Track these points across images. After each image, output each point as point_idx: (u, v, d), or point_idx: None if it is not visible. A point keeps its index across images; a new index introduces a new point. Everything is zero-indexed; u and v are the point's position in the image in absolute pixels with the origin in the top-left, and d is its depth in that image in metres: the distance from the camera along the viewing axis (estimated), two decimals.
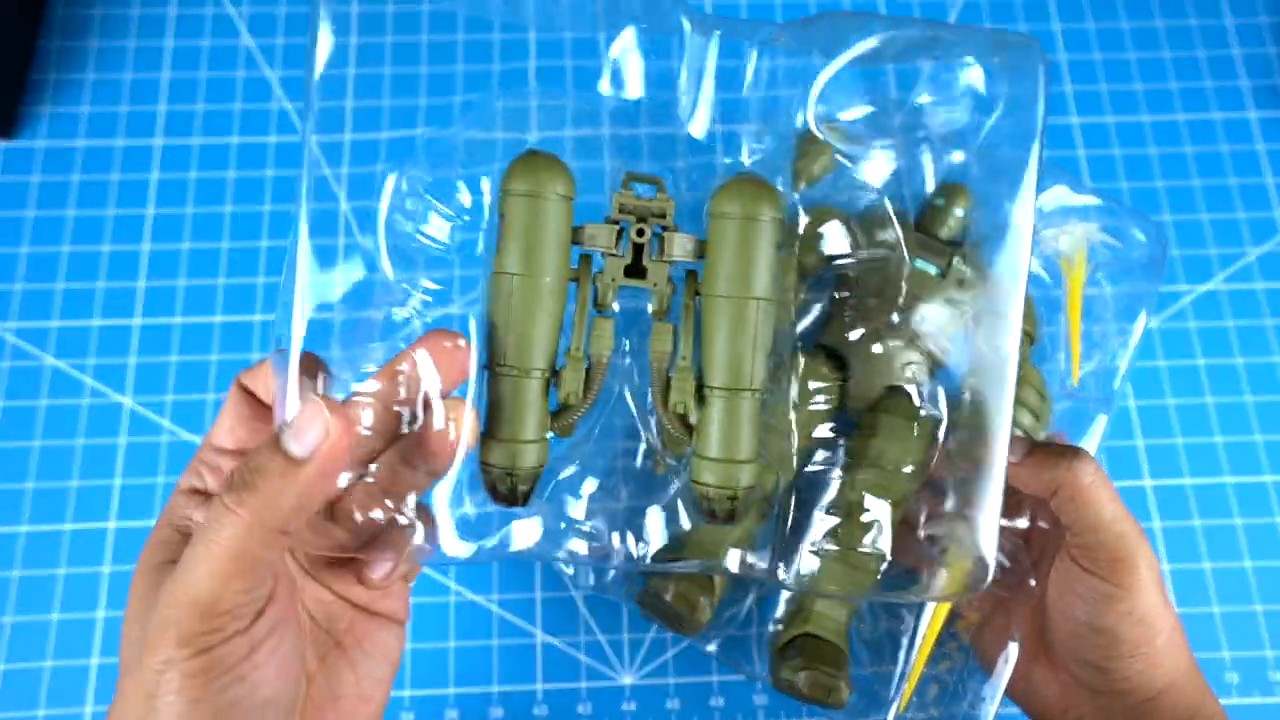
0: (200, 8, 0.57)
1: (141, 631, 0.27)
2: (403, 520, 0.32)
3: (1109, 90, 0.58)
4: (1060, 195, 0.48)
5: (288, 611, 0.29)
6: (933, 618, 0.41)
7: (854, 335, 0.44)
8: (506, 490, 0.34)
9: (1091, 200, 0.48)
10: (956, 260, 0.44)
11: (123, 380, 0.50)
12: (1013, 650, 0.41)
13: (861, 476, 0.42)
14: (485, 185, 0.36)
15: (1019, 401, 0.42)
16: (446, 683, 0.46)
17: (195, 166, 0.54)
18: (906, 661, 0.42)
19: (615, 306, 0.35)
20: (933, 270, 0.44)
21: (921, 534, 0.42)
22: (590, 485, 0.37)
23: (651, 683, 0.46)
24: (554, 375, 0.34)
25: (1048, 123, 0.44)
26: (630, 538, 0.37)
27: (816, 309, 0.47)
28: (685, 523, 0.37)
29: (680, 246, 0.34)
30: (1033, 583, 0.41)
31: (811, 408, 0.42)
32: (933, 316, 0.43)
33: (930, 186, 0.48)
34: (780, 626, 0.43)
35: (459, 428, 0.31)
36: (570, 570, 0.47)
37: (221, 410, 0.32)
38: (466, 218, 0.36)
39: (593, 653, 0.47)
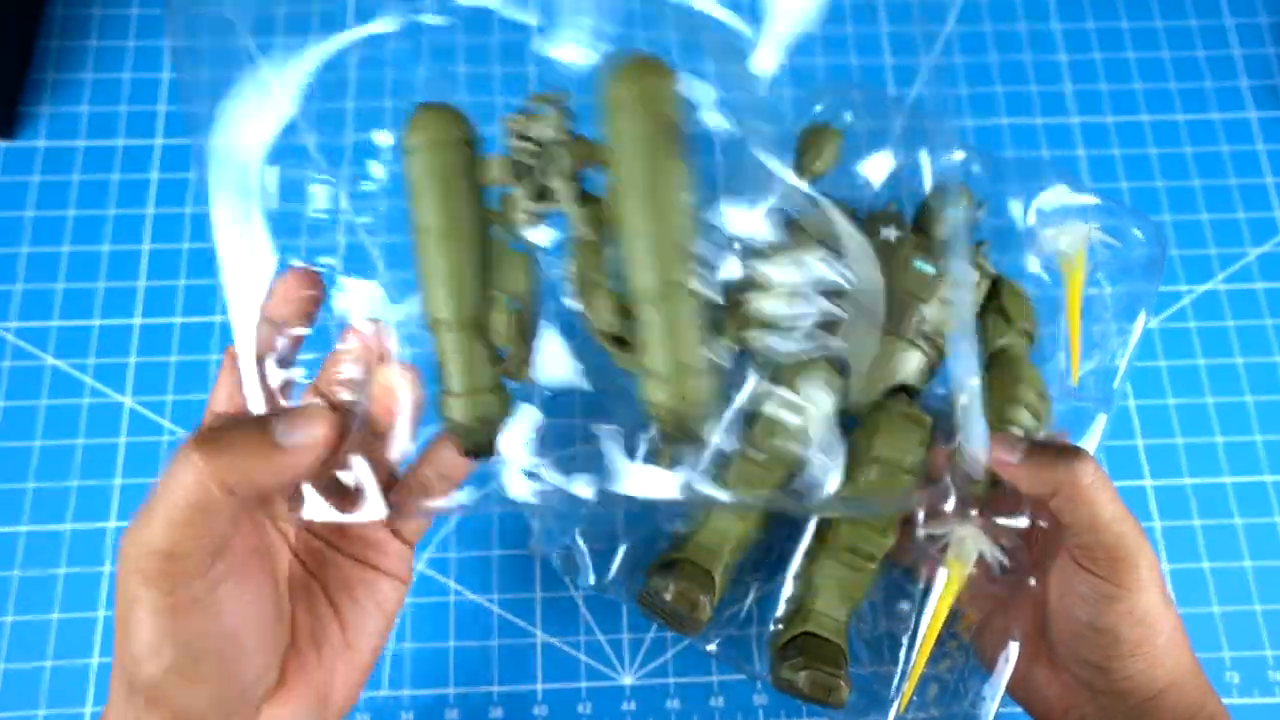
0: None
1: None
2: (350, 481, 0.32)
3: (1109, 90, 0.58)
4: (1060, 195, 0.48)
5: (249, 554, 0.30)
6: (933, 617, 0.41)
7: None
8: (466, 444, 0.33)
9: (1091, 200, 0.48)
10: (953, 259, 0.44)
11: (123, 380, 0.50)
12: (1013, 650, 0.41)
13: (862, 476, 0.42)
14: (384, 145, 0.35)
15: (1018, 401, 0.42)
16: (446, 682, 0.46)
17: (195, 166, 0.54)
18: (907, 661, 0.42)
19: (537, 239, 0.33)
20: (930, 270, 0.43)
21: (921, 533, 0.42)
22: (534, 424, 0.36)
23: (651, 682, 0.46)
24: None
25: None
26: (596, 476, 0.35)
27: None
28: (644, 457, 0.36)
29: (573, 154, 0.32)
30: (1033, 582, 0.41)
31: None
32: (931, 316, 0.43)
33: (929, 186, 0.48)
34: (780, 626, 0.42)
35: (389, 396, 0.32)
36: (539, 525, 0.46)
37: (219, 377, 0.33)
38: (371, 185, 0.36)
39: (593, 653, 0.47)
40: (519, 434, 0.34)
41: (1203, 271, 0.54)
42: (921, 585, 0.43)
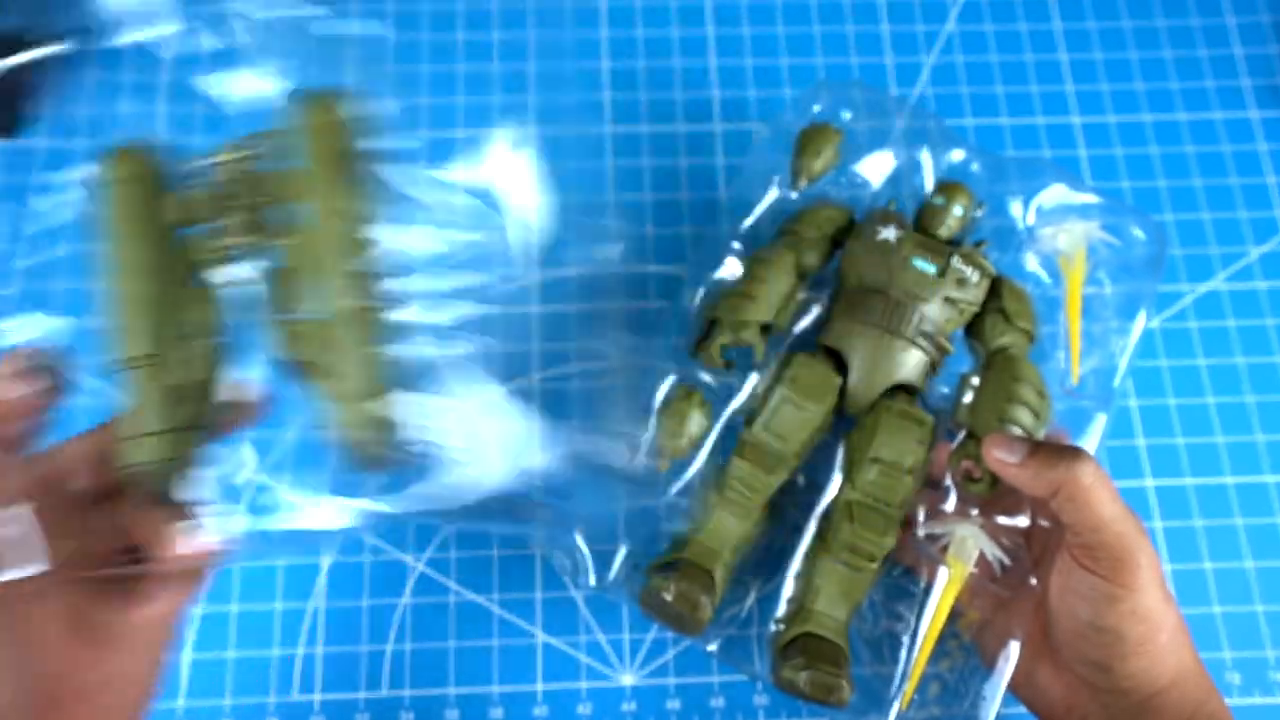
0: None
1: None
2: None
3: (1110, 90, 0.57)
4: (1060, 194, 0.48)
5: None
6: (934, 617, 0.41)
7: (853, 335, 0.44)
8: (151, 488, 0.32)
9: (1091, 198, 0.48)
10: (955, 259, 0.44)
11: None
12: (1014, 649, 0.41)
13: (861, 476, 0.42)
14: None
15: (1018, 400, 0.41)
16: (447, 682, 0.46)
17: None
18: (908, 660, 0.42)
19: (231, 274, 0.32)
20: (931, 270, 0.43)
21: (921, 533, 0.42)
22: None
23: (652, 683, 0.46)
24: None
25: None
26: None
27: (816, 309, 0.47)
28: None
29: (254, 191, 0.32)
30: (1034, 581, 0.41)
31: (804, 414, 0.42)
32: (932, 315, 0.43)
33: (929, 185, 0.48)
34: (781, 626, 0.42)
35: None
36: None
37: None
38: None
39: (593, 653, 0.47)
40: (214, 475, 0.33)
41: (1204, 271, 0.54)
42: (922, 585, 0.43)
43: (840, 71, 0.58)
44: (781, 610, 0.43)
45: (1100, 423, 0.45)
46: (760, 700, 0.46)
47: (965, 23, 0.59)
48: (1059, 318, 0.47)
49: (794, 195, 0.49)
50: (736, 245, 0.47)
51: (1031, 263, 0.48)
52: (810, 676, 0.40)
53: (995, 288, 0.45)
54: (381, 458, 0.32)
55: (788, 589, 0.43)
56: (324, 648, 0.46)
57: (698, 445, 0.44)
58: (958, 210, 0.46)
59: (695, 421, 0.43)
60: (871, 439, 0.42)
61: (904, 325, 0.43)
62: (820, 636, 0.41)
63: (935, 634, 0.41)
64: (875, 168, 0.49)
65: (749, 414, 0.44)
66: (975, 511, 0.42)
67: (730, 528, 0.42)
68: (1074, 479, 0.36)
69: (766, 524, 0.44)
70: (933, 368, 0.44)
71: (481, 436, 0.34)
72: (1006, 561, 0.41)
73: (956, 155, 0.49)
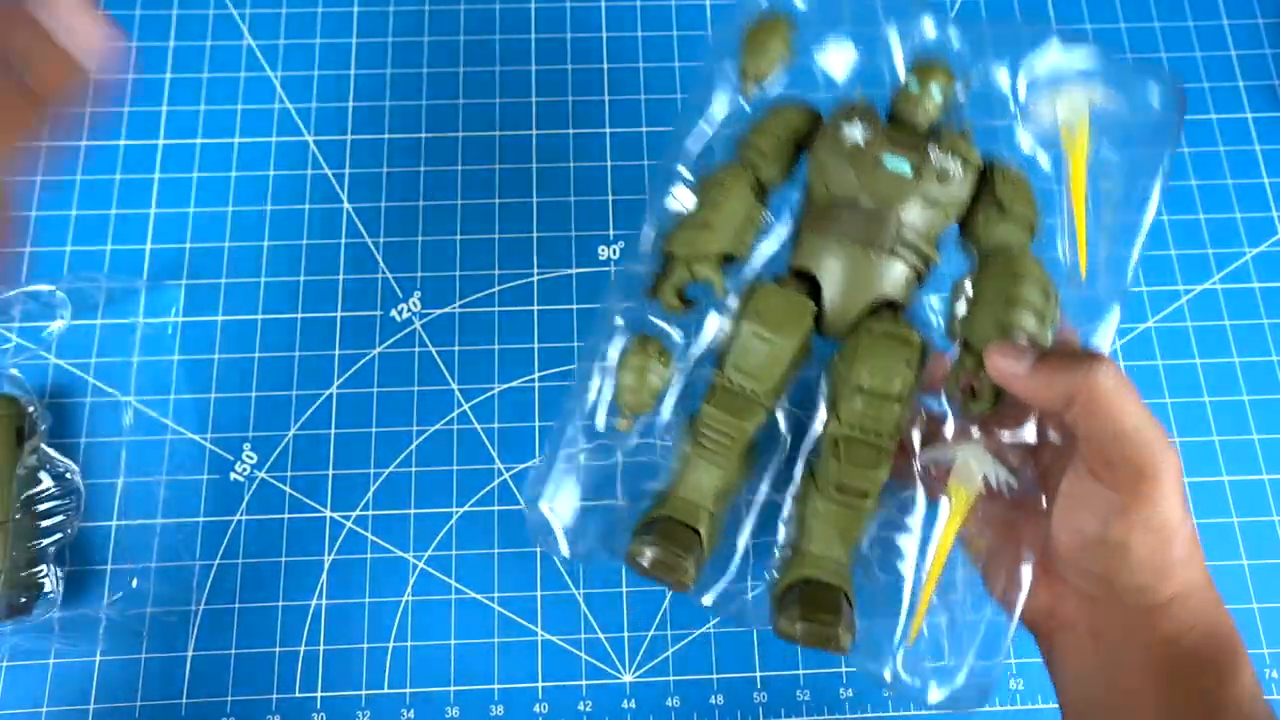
0: (202, 8, 0.58)
1: None
2: None
3: None
4: (1052, 56, 0.42)
5: None
6: (939, 549, 0.38)
7: (824, 252, 0.39)
8: None
9: (1088, 57, 0.42)
10: (933, 152, 0.38)
11: (126, 380, 0.50)
12: (1025, 574, 0.38)
13: (846, 407, 0.38)
14: None
15: (1020, 303, 0.37)
16: (448, 680, 0.46)
17: (198, 168, 0.54)
18: (914, 596, 0.39)
19: None
20: (905, 168, 0.38)
21: (919, 462, 0.39)
22: None
23: (652, 680, 0.47)
24: None
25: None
26: None
27: (781, 231, 0.42)
28: None
29: None
30: (1044, 501, 0.38)
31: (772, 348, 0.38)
32: (912, 220, 0.38)
33: (901, 70, 0.43)
34: (776, 574, 0.40)
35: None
36: None
37: None
38: None
39: (593, 650, 0.47)
40: None
41: (1200, 271, 0.54)
42: (921, 514, 0.40)
43: None
44: (776, 557, 0.40)
45: (1115, 316, 0.40)
46: (760, 698, 0.46)
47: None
48: (1060, 205, 0.41)
49: (745, 105, 0.43)
50: (685, 173, 0.42)
51: (1026, 143, 0.42)
52: (806, 629, 0.37)
53: (986, 177, 0.40)
54: None
55: (780, 534, 0.40)
56: (325, 645, 0.47)
57: (660, 397, 0.40)
58: (935, 93, 0.40)
59: (655, 372, 0.40)
60: (853, 365, 0.37)
61: (881, 235, 0.38)
62: (818, 582, 0.38)
63: (940, 566, 0.38)
64: (837, 60, 0.43)
65: (718, 355, 0.40)
66: (976, 432, 0.39)
67: (710, 479, 0.39)
68: (1091, 385, 0.32)
69: (750, 468, 0.41)
70: (918, 279, 0.40)
71: None
72: (1013, 484, 0.37)
73: (929, 29, 0.43)
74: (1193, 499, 0.50)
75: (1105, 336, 0.39)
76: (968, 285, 0.39)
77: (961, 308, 0.39)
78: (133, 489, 0.49)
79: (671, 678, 0.47)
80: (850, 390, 0.38)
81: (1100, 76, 0.41)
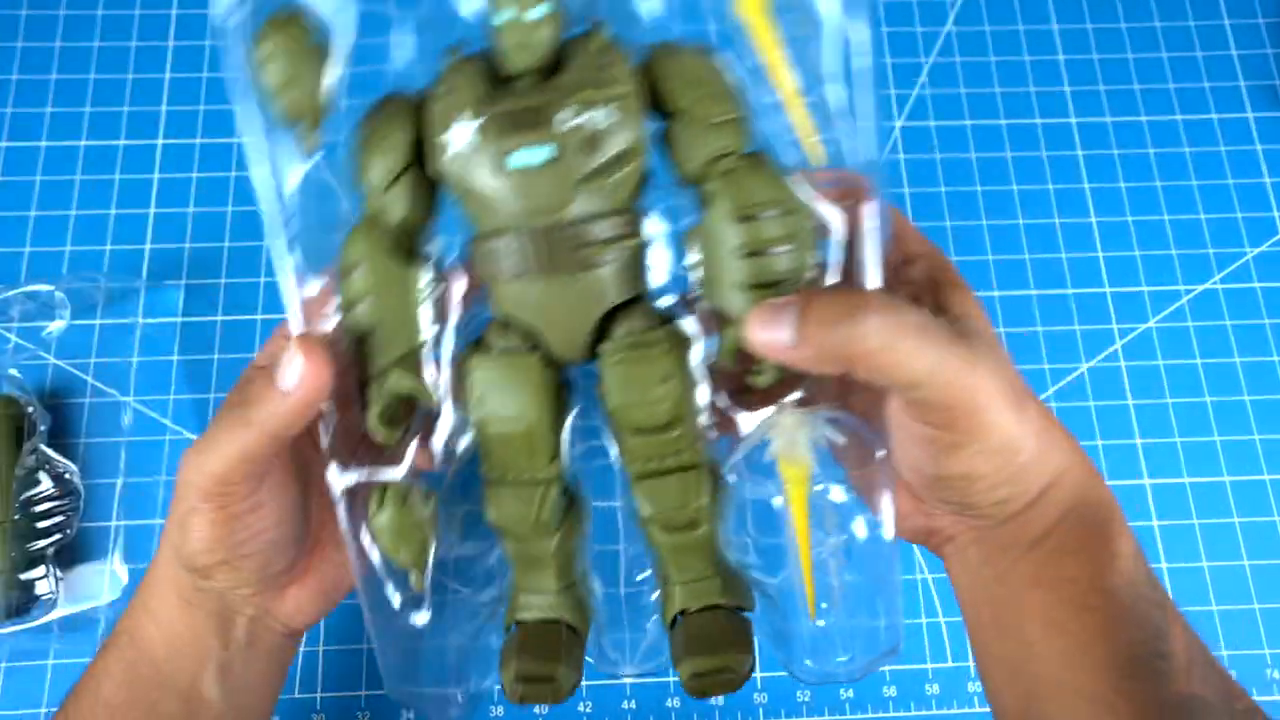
0: (202, 8, 0.57)
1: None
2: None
3: (1107, 90, 0.58)
4: None
5: (287, 474, 0.34)
6: (797, 528, 0.33)
7: (512, 297, 0.31)
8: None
9: None
10: (563, 111, 0.28)
11: (126, 380, 0.50)
12: (886, 506, 0.33)
13: (628, 445, 0.32)
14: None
15: (757, 241, 0.29)
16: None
17: (197, 168, 0.54)
18: (799, 580, 0.34)
19: None
20: (541, 156, 0.28)
21: (739, 455, 0.34)
22: None
23: (651, 680, 0.47)
24: None
25: None
26: None
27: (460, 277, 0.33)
28: None
29: None
30: (880, 452, 0.33)
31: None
32: (586, 214, 0.29)
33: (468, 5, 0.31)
34: (657, 616, 0.36)
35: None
36: None
37: (274, 330, 0.36)
38: None
39: (593, 650, 0.47)
40: None
41: (1201, 271, 0.54)
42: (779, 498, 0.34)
43: None
44: (654, 598, 0.36)
45: (872, 209, 0.31)
46: (759, 699, 0.46)
47: (963, 24, 0.59)
48: (760, 83, 0.31)
49: (313, 157, 0.31)
50: (311, 288, 0.32)
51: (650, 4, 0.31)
52: (697, 685, 0.32)
53: (655, 84, 0.30)
54: None
55: (646, 576, 0.36)
56: (325, 646, 0.47)
57: (431, 535, 0.33)
58: (536, 10, 0.29)
59: (412, 521, 0.33)
60: (611, 404, 0.31)
61: (559, 257, 0.29)
62: (702, 610, 0.33)
63: (806, 543, 0.33)
64: (398, 45, 0.32)
65: (478, 453, 0.33)
66: (791, 397, 0.33)
67: (542, 566, 0.34)
68: (859, 344, 0.28)
69: (580, 522, 0.35)
70: (636, 259, 0.31)
71: None
72: (840, 439, 0.33)
73: None
74: (1193, 499, 0.50)
75: (869, 230, 0.31)
76: (695, 248, 0.31)
77: (697, 267, 0.31)
78: (132, 489, 0.48)
79: (671, 678, 0.47)
80: (622, 429, 0.32)
81: None
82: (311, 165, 0.31)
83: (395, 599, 0.34)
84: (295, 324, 0.32)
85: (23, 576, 0.45)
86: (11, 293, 0.50)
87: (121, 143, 0.55)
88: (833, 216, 0.31)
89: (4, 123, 0.55)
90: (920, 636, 0.48)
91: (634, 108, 0.29)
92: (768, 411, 0.33)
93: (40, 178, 0.54)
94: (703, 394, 0.32)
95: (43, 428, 0.47)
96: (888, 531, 0.34)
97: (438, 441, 0.34)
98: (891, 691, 0.47)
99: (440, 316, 0.32)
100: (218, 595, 0.35)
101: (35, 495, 0.46)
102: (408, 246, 0.31)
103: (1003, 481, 0.31)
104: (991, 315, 0.51)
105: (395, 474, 0.33)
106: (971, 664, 0.47)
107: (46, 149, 0.54)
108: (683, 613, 0.34)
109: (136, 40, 0.57)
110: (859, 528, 0.35)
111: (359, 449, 0.33)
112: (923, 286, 0.33)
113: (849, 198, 0.31)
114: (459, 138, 0.29)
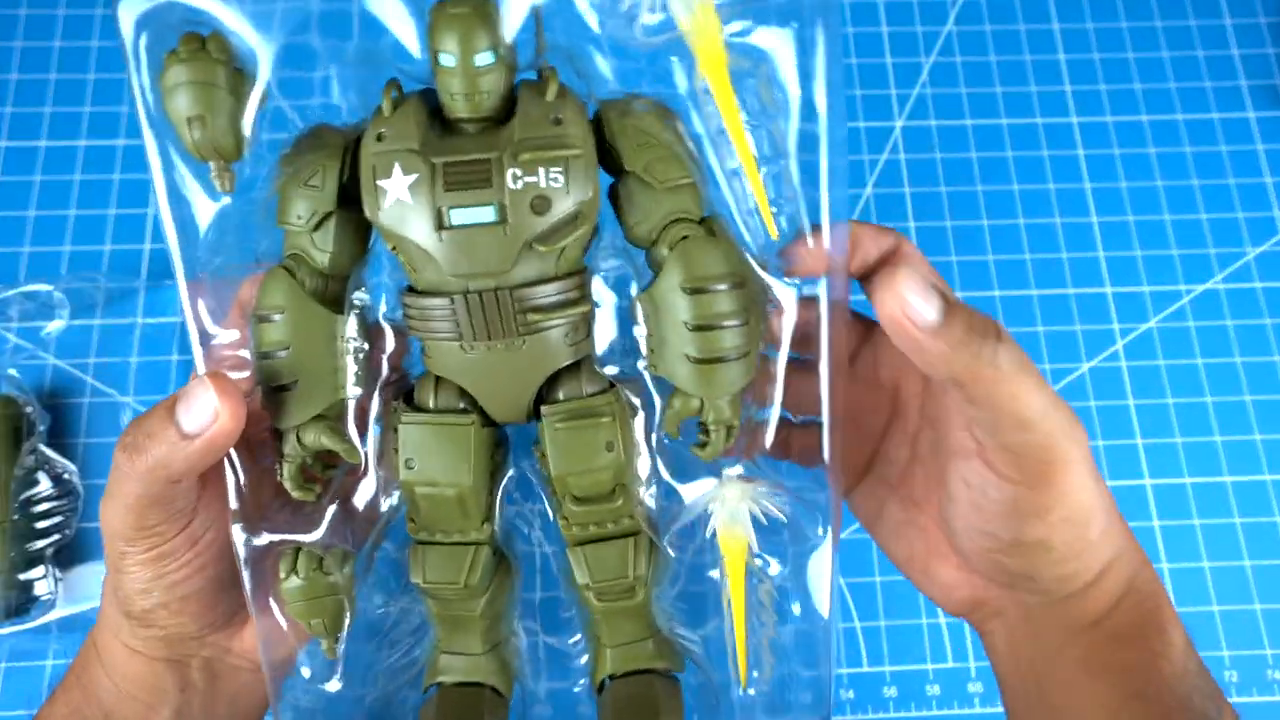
0: None
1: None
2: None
3: (1108, 90, 0.58)
4: None
5: (223, 506, 0.31)
6: (733, 596, 0.33)
7: (450, 362, 0.29)
8: None
9: None
10: (511, 171, 0.27)
11: (125, 380, 0.50)
12: (824, 595, 0.33)
13: (567, 511, 0.31)
14: None
15: (706, 316, 0.28)
16: None
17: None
18: (733, 649, 0.34)
19: None
20: (488, 217, 0.27)
21: (676, 528, 0.33)
22: None
23: (581, 682, 0.46)
24: None
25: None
26: None
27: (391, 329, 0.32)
28: None
29: None
30: (822, 532, 0.33)
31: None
32: (530, 277, 0.28)
33: (416, 46, 0.29)
34: (585, 680, 0.36)
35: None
36: None
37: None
38: None
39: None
40: None
41: (1202, 271, 0.54)
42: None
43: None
44: (586, 660, 0.36)
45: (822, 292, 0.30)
46: None
47: (964, 23, 0.59)
48: (715, 142, 0.30)
49: (224, 196, 0.29)
50: (218, 330, 0.30)
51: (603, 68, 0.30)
52: None
53: (608, 141, 0.29)
54: None
55: (577, 642, 0.36)
56: None
57: (347, 601, 0.31)
58: (483, 56, 0.27)
59: (325, 588, 0.30)
60: (553, 471, 0.30)
61: (499, 324, 0.28)
62: (629, 674, 0.33)
63: (741, 612, 0.33)
64: (315, 73, 0.30)
65: (406, 514, 0.32)
66: (730, 470, 0.32)
67: (467, 628, 0.33)
68: (997, 367, 0.27)
69: (509, 580, 0.34)
70: (585, 319, 0.30)
71: None
72: (780, 518, 0.32)
73: None
74: (1195, 500, 0.50)
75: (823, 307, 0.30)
76: (642, 314, 0.30)
77: (644, 337, 0.30)
78: None
79: None
80: (563, 496, 0.31)
81: None
82: (226, 202, 0.29)
83: (305, 670, 0.33)
84: (200, 364, 0.30)
85: (22, 577, 0.45)
86: (11, 293, 0.50)
87: (121, 142, 0.54)
88: (785, 295, 0.30)
89: (3, 123, 0.55)
90: (921, 637, 0.48)
91: (584, 168, 0.27)
92: (709, 483, 0.32)
93: (39, 178, 0.54)
94: (644, 463, 0.31)
95: (42, 428, 0.47)
96: (823, 607, 0.33)
97: (359, 501, 0.32)
98: (892, 692, 0.47)
99: (367, 374, 0.30)
100: (163, 643, 0.32)
101: (34, 495, 0.46)
102: (333, 293, 0.30)
103: (1073, 555, 0.30)
104: (991, 315, 0.51)
105: (310, 537, 0.31)
106: (973, 665, 0.47)
107: (46, 149, 0.54)
108: (611, 676, 0.33)
109: None
110: (795, 606, 0.34)
111: (268, 508, 0.31)
112: None
113: (810, 273, 0.30)
114: (398, 186, 0.27)
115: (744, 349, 0.29)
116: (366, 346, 0.30)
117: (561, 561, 0.34)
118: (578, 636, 0.37)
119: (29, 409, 0.47)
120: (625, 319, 0.31)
